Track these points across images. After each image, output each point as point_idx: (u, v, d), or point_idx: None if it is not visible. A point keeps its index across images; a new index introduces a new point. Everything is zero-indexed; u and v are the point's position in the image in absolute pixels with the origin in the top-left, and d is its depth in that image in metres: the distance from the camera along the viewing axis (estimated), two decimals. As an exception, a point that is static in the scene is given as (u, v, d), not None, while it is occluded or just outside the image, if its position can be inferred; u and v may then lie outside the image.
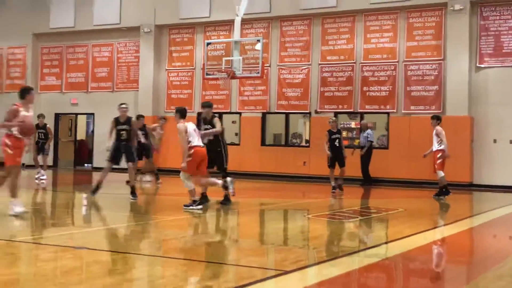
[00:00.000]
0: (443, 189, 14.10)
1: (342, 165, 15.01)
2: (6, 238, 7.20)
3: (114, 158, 12.29)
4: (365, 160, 18.60)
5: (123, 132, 12.30)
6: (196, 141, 10.54)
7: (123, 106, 12.60)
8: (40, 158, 17.56)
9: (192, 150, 10.40)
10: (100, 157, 21.22)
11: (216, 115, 12.37)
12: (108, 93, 24.30)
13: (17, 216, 8.85)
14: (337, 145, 14.98)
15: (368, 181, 18.48)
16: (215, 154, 11.37)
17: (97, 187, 12.19)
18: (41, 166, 17.31)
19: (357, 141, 20.13)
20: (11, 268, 5.71)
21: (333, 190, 14.83)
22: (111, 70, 24.37)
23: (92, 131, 25.34)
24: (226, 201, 11.37)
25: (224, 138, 11.91)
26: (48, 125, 18.13)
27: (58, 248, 6.75)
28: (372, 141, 18.73)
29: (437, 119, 14.42)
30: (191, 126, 10.70)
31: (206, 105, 12.09)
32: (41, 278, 5.28)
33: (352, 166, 17.76)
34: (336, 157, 14.94)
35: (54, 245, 6.95)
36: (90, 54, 24.87)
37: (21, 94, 9.51)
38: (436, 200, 13.88)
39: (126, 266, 6.02)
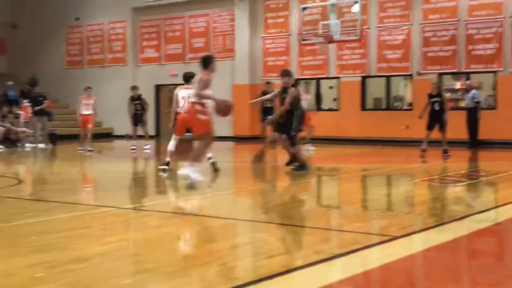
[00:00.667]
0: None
1: (442, 129, 14.43)
2: (115, 205, 7.44)
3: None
4: (473, 122, 17.71)
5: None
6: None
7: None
8: (139, 129, 17.95)
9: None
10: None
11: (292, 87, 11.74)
12: (206, 63, 24.54)
13: (191, 184, 8.25)
14: (437, 108, 14.43)
15: (474, 144, 17.63)
16: (286, 121, 11.10)
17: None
18: (143, 137, 17.77)
19: (462, 102, 19.31)
20: (122, 234, 5.89)
21: (422, 153, 14.35)
22: (208, 40, 24.61)
23: (193, 101, 25.77)
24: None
25: (298, 106, 11.50)
26: (143, 96, 18.50)
27: (165, 215, 6.90)
28: (479, 102, 17.80)
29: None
30: None
31: (285, 74, 11.75)
32: (151, 243, 5.40)
33: (459, 128, 17.12)
34: (436, 120, 14.39)
35: (161, 211, 7.11)
36: (187, 25, 25.21)
37: (204, 63, 9.02)
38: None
39: (232, 231, 6.07)
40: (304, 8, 19.46)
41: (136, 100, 18.03)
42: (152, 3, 25.62)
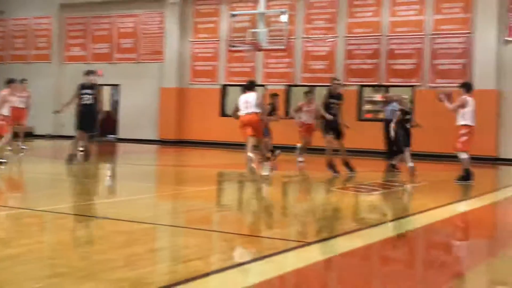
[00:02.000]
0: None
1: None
2: (30, 208, 7.31)
3: None
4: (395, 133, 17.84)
5: None
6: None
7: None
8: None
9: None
10: (125, 128, 21.40)
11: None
12: (133, 64, 24.37)
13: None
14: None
15: (391, 155, 18.02)
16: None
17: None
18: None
19: (382, 114, 19.93)
20: (34, 237, 5.81)
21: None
22: (136, 41, 24.40)
23: (117, 102, 25.49)
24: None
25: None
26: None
27: (81, 218, 6.85)
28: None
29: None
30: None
31: (336, 81, 13.47)
32: (64, 247, 5.36)
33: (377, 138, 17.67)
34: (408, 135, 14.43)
35: (78, 214, 7.05)
36: (115, 25, 24.90)
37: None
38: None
39: (148, 236, 6.09)
40: (233, 15, 19.64)
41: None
42: (81, 0, 25.17)
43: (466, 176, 11.47)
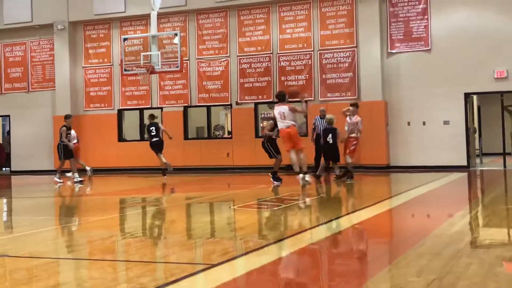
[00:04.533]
0: (348, 172, 15.22)
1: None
2: None
3: None
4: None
5: None
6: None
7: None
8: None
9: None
10: (19, 160, 20.66)
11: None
12: (24, 93, 23.63)
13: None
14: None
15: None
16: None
17: None
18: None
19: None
20: None
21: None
22: (25, 70, 23.69)
23: (8, 133, 24.58)
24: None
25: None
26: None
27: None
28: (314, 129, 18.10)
29: (357, 106, 15.50)
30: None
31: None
32: (-36, 290, 5.18)
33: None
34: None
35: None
36: (2, 54, 24.07)
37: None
38: (339, 182, 14.90)
39: (50, 271, 5.96)
40: (125, 39, 19.51)
41: (153, 125, 17.56)
42: (-38, 30, 24.13)
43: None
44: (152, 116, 17.94)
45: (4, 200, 13.38)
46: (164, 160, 17.35)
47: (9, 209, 12.18)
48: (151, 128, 17.61)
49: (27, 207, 12.15)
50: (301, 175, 12.99)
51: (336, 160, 15.36)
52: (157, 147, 17.54)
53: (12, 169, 23.56)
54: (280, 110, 13.30)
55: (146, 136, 19.41)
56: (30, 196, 14.88)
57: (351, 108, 15.33)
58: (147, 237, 8.13)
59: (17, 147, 23.41)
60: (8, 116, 23.99)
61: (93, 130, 22.40)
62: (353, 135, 15.04)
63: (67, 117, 17.62)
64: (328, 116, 15.67)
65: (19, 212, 11.59)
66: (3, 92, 24.00)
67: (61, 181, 17.18)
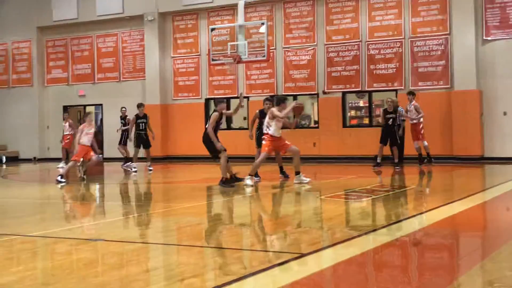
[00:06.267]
0: (428, 157, 16.44)
1: (393, 144, 16.31)
2: (21, 233, 7.26)
3: None
4: (401, 139, 17.54)
5: None
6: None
7: None
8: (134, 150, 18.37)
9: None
10: (110, 148, 21.33)
11: None
12: (115, 83, 24.37)
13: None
14: (390, 123, 16.30)
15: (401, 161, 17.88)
16: None
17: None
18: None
19: (366, 119, 20.09)
20: (29, 264, 5.77)
21: (375, 166, 16.16)
22: (117, 60, 24.40)
23: (101, 122, 25.43)
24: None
25: None
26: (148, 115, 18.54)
27: (74, 241, 6.81)
28: (404, 120, 17.60)
29: (413, 94, 16.71)
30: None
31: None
32: (60, 272, 5.34)
33: (375, 144, 17.83)
34: (389, 135, 16.29)
35: (70, 238, 7.01)
36: (95, 45, 24.89)
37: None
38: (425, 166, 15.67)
39: (143, 256, 6.07)
40: (212, 29, 19.66)
41: (142, 119, 17.82)
42: (59, 22, 25.14)
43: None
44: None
45: (99, 186, 13.84)
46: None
47: (103, 195, 12.57)
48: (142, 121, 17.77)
49: (122, 194, 12.50)
50: (298, 175, 12.47)
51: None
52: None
53: (105, 156, 24.34)
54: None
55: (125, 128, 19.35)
56: (123, 182, 15.34)
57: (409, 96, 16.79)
58: (233, 225, 8.15)
59: (109, 135, 24.17)
60: (101, 105, 24.81)
61: (181, 119, 22.81)
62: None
63: (138, 105, 17.99)
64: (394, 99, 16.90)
65: (114, 199, 11.93)
66: (95, 81, 24.83)
67: (135, 169, 17.40)
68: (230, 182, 12.20)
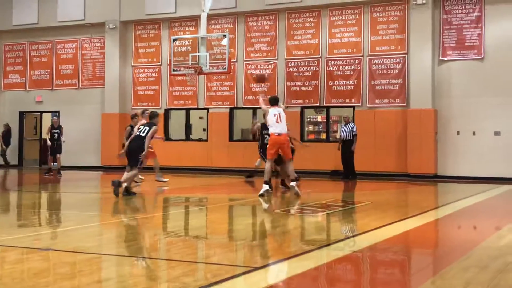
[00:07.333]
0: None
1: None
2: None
3: None
4: (351, 153, 18.18)
5: None
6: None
7: None
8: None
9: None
10: (67, 155, 21.01)
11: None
12: (74, 90, 24.08)
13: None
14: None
15: (349, 175, 18.22)
16: None
17: None
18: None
19: (323, 134, 20.32)
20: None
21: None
22: (76, 67, 24.13)
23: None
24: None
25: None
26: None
27: (24, 250, 6.70)
28: (356, 134, 18.16)
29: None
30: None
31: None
32: (9, 281, 5.24)
33: (332, 159, 18.03)
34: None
35: (20, 247, 6.89)
36: (54, 51, 24.57)
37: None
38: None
39: (94, 267, 6.01)
40: (174, 40, 19.63)
41: (56, 129, 19.10)
42: (18, 27, 24.73)
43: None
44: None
45: (52, 195, 13.64)
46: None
47: (56, 204, 12.37)
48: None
49: (74, 202, 12.33)
50: (292, 183, 12.51)
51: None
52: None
53: (61, 164, 23.94)
54: (275, 111, 12.78)
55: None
56: (76, 191, 15.14)
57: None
58: (188, 237, 8.13)
59: (66, 142, 23.81)
60: (58, 111, 24.45)
61: (140, 129, 22.61)
62: None
63: (131, 117, 17.05)
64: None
65: (66, 207, 11.77)
66: (53, 88, 24.48)
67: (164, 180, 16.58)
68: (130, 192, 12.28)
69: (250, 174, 17.70)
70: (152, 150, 14.76)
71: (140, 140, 12.08)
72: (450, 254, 6.81)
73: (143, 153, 12.01)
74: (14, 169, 23.45)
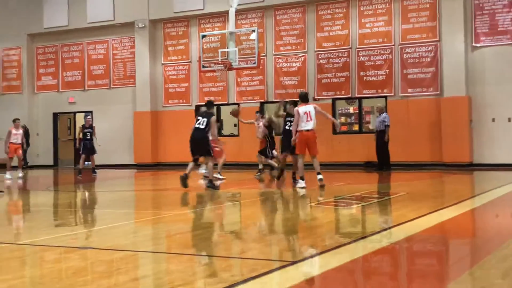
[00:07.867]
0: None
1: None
2: (10, 241, 7.22)
3: None
4: (385, 144, 18.05)
5: None
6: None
7: None
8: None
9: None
10: (100, 154, 21.23)
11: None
12: (106, 90, 24.34)
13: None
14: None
15: (383, 166, 18.07)
16: None
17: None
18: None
19: (355, 126, 20.15)
20: (18, 272, 5.74)
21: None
22: (107, 67, 24.38)
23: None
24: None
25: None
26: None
27: (63, 249, 6.78)
28: (388, 125, 18.03)
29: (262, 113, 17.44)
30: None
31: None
32: (47, 280, 5.31)
33: (366, 150, 17.88)
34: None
35: (59, 246, 6.97)
36: (86, 52, 24.86)
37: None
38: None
39: (131, 264, 6.04)
40: (203, 36, 19.69)
41: (88, 129, 18.98)
42: (49, 29, 25.09)
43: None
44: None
45: (87, 194, 13.79)
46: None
47: (91, 202, 12.52)
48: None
49: (109, 201, 12.46)
50: (319, 176, 12.60)
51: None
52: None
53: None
54: (305, 109, 12.80)
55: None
56: (111, 190, 15.29)
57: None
58: (222, 233, 8.14)
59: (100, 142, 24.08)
60: (91, 112, 24.76)
61: (171, 126, 22.79)
62: None
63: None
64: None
65: (101, 206, 11.90)
66: (86, 88, 24.78)
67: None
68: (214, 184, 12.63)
69: (280, 174, 17.18)
70: (218, 149, 15.12)
71: (200, 131, 12.33)
72: (488, 244, 6.70)
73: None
74: (50, 170, 23.80)
